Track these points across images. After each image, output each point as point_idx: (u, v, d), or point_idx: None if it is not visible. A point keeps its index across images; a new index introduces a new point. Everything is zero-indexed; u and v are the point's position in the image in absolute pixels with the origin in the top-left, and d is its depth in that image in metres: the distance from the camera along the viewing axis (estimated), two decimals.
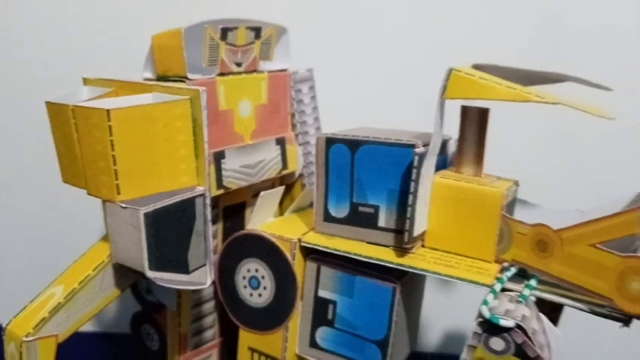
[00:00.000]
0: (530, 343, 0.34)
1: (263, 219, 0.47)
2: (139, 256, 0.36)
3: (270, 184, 0.52)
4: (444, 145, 0.44)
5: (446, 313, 0.67)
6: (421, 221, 0.40)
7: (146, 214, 0.35)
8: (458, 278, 0.38)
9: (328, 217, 0.44)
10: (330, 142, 0.43)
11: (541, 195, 0.45)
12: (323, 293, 0.45)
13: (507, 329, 0.34)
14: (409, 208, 0.38)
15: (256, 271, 0.46)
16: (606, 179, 0.41)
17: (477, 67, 0.41)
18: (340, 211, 0.44)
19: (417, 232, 0.40)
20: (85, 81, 0.43)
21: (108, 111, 0.35)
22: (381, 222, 0.42)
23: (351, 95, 0.62)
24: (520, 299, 0.36)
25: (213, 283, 0.49)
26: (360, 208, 0.43)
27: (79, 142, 0.37)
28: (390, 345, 0.43)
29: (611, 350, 0.67)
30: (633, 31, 0.60)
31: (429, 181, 0.40)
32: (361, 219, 0.43)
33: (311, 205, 0.46)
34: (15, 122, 0.67)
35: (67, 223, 0.68)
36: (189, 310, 0.49)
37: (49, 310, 0.38)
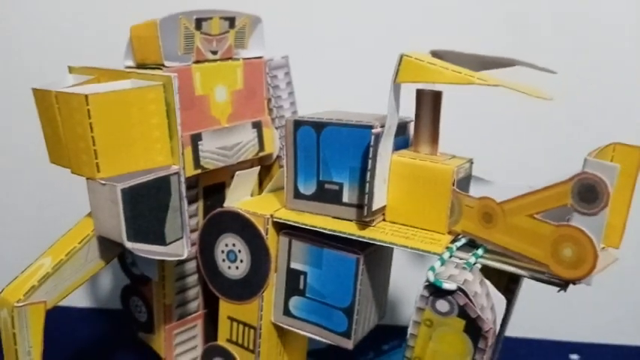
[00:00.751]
0: (471, 304, 0.37)
1: (240, 197, 0.50)
2: (118, 229, 0.40)
3: (248, 165, 0.55)
4: (405, 126, 0.47)
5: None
6: (380, 196, 0.43)
7: (123, 190, 0.39)
8: (412, 248, 0.41)
9: (298, 195, 0.47)
10: (298, 124, 0.46)
11: (500, 173, 0.48)
12: (295, 265, 0.48)
13: (451, 292, 0.37)
14: (367, 184, 0.42)
15: (233, 245, 0.49)
16: (563, 160, 0.44)
17: (434, 53, 0.44)
18: (308, 188, 0.47)
19: (375, 206, 0.43)
20: (71, 69, 0.46)
21: (86, 96, 0.38)
22: (345, 198, 0.45)
23: (328, 81, 0.65)
24: (465, 266, 0.39)
25: (196, 257, 0.53)
26: (326, 186, 0.46)
27: (62, 125, 0.41)
28: (356, 312, 0.46)
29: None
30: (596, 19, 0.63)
31: (387, 160, 0.43)
32: (327, 195, 0.46)
33: None
34: (7, 110, 0.71)
35: (57, 202, 0.71)
36: (173, 283, 0.53)
37: (38, 279, 0.42)
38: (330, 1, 0.67)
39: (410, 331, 0.40)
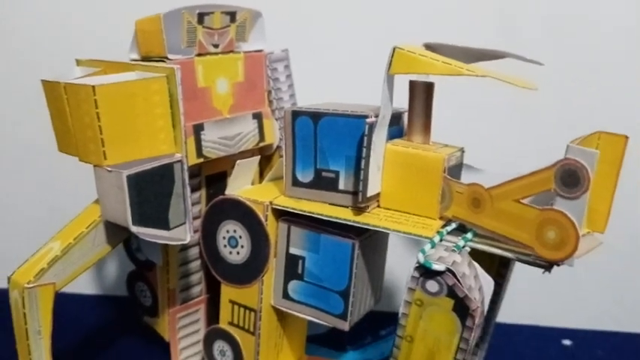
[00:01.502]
0: (459, 284, 0.39)
1: (240, 185, 0.52)
2: (124, 214, 0.42)
3: (249, 155, 0.56)
4: (399, 117, 0.49)
5: None
6: (374, 184, 0.45)
7: (129, 177, 0.41)
8: (404, 232, 0.43)
9: (296, 182, 0.49)
10: (295, 114, 0.48)
11: (491, 163, 0.49)
12: (293, 250, 0.50)
13: (440, 273, 0.39)
14: (362, 171, 0.43)
15: (234, 231, 0.51)
16: (552, 150, 0.46)
17: (427, 46, 0.46)
18: (306, 176, 0.49)
19: (370, 193, 0.44)
20: (78, 62, 0.48)
21: (93, 87, 0.40)
22: (341, 185, 0.47)
23: (327, 74, 0.67)
24: (454, 249, 0.41)
25: (198, 244, 0.55)
26: (323, 174, 0.48)
27: (70, 115, 0.43)
28: (352, 294, 0.48)
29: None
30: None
31: (381, 148, 0.45)
32: (324, 183, 0.48)
33: None
34: (18, 103, 0.73)
35: (65, 190, 0.74)
36: (177, 268, 0.55)
37: (47, 261, 0.44)
38: None
39: (401, 310, 0.42)
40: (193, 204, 0.53)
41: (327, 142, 0.47)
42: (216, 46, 0.50)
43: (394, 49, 0.41)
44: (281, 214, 0.50)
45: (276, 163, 0.55)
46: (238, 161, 0.50)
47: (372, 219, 0.45)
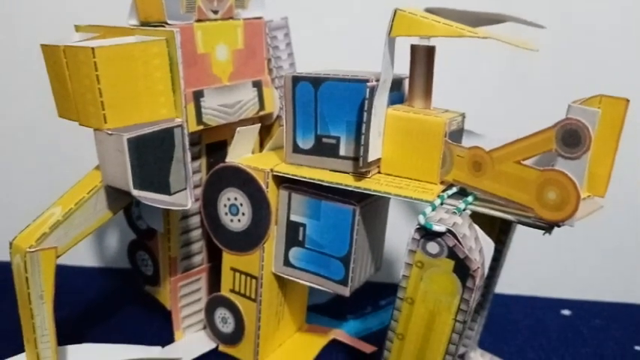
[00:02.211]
0: (459, 245, 0.39)
1: (241, 154, 0.52)
2: (125, 177, 0.42)
3: (249, 123, 0.56)
4: (400, 82, 0.49)
5: None
6: (375, 149, 0.45)
7: (129, 139, 0.41)
8: (405, 197, 0.43)
9: (296, 149, 0.49)
10: (296, 80, 0.47)
11: (493, 128, 0.49)
12: (294, 217, 0.50)
13: (440, 234, 0.39)
14: (363, 136, 0.43)
15: (235, 199, 0.52)
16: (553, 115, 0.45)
17: (428, 10, 0.45)
18: (307, 142, 0.49)
19: (371, 158, 0.44)
20: (77, 28, 0.48)
21: (93, 49, 0.40)
22: (342, 151, 0.47)
23: (327, 42, 0.67)
24: (455, 211, 0.41)
25: (200, 212, 0.55)
26: (324, 140, 0.48)
27: (70, 78, 0.42)
28: (352, 260, 0.48)
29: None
30: None
31: (382, 113, 0.45)
32: (325, 149, 0.48)
33: None
34: (17, 70, 0.73)
35: (67, 157, 0.73)
36: (178, 236, 0.55)
37: (49, 226, 0.44)
38: None
39: (402, 272, 0.42)
40: (194, 172, 0.53)
41: (327, 108, 0.47)
42: (215, 12, 0.50)
43: (395, 12, 0.41)
44: (282, 182, 0.50)
45: (277, 132, 0.55)
46: (239, 128, 0.50)
47: (372, 184, 0.45)
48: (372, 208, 0.49)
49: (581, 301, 0.71)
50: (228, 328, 0.56)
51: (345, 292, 0.49)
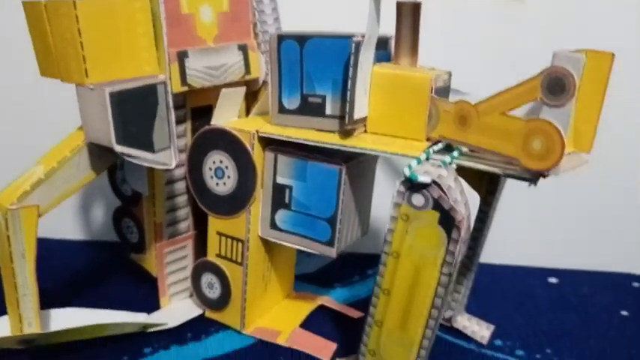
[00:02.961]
0: (445, 196, 0.39)
1: (226, 117, 0.52)
2: (108, 133, 0.41)
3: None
4: (386, 41, 0.48)
5: None
6: (361, 107, 0.45)
7: (111, 94, 0.40)
8: (391, 153, 0.43)
9: (282, 109, 0.49)
10: (281, 38, 0.47)
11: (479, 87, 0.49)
12: (280, 180, 0.50)
13: (426, 186, 0.39)
14: (349, 93, 0.43)
15: (221, 162, 0.51)
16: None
17: None
18: (292, 103, 0.48)
19: (357, 115, 0.44)
20: None
21: (74, 1, 0.39)
22: (328, 110, 0.47)
23: (315, 7, 0.66)
24: (441, 164, 0.41)
25: (185, 178, 0.55)
26: (310, 99, 0.47)
27: (51, 34, 0.42)
28: (338, 221, 0.48)
29: None
30: None
31: (368, 71, 0.45)
32: (311, 109, 0.47)
33: None
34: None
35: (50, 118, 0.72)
36: (164, 202, 0.55)
37: (30, 184, 0.43)
38: None
39: (388, 226, 0.42)
40: (178, 136, 0.53)
41: (313, 66, 0.46)
42: None
43: None
44: (268, 143, 0.50)
45: (262, 97, 0.55)
46: (223, 90, 0.50)
47: (358, 142, 0.45)
48: (359, 168, 0.49)
49: (568, 270, 0.71)
50: (214, 293, 0.56)
51: (332, 253, 0.49)
